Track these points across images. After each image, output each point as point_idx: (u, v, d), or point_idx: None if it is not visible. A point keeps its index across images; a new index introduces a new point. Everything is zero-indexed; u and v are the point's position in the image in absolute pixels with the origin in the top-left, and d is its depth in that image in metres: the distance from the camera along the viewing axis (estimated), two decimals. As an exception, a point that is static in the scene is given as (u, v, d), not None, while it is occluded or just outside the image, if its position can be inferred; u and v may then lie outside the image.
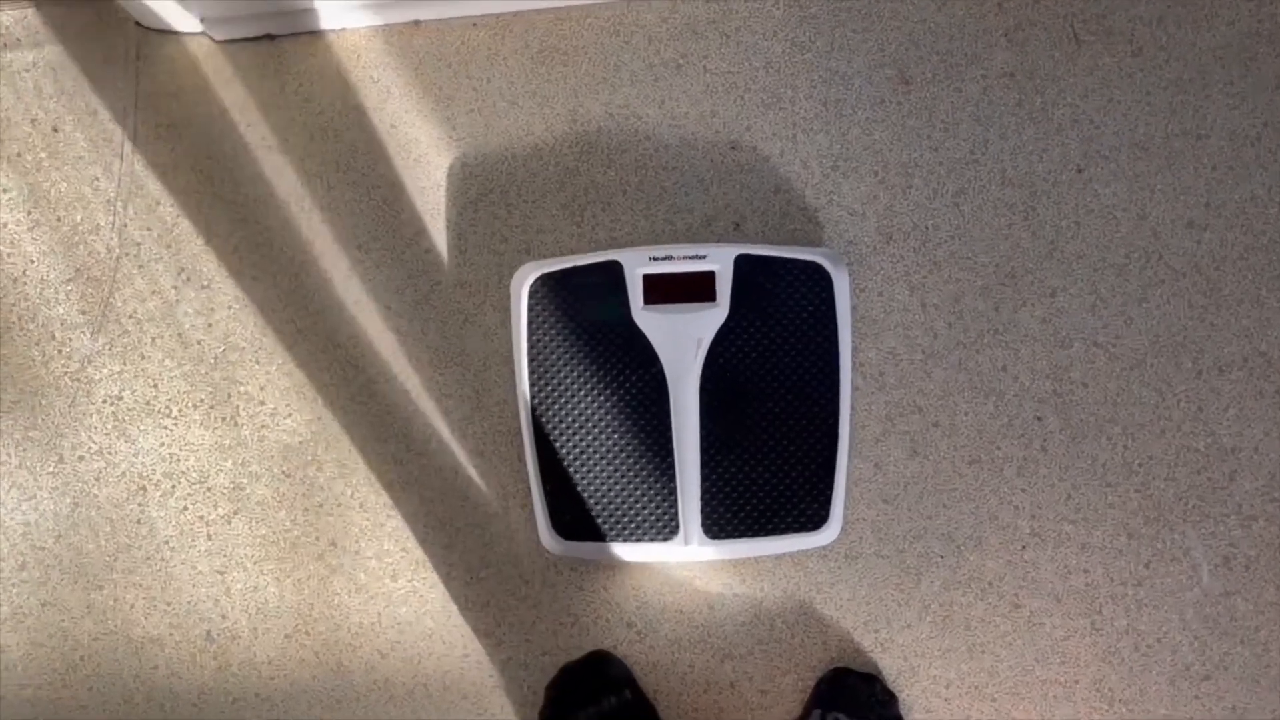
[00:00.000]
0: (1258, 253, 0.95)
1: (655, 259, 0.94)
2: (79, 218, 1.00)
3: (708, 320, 0.93)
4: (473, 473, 0.96)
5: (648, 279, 0.93)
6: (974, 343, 0.95)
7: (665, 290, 0.93)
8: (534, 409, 0.93)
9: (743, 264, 0.93)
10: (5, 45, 1.01)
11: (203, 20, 0.98)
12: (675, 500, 0.92)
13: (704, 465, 0.92)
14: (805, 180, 0.97)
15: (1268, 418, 0.94)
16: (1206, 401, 0.94)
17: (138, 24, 1.00)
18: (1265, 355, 0.94)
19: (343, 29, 1.00)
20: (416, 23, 1.00)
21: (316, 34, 1.01)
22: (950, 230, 0.96)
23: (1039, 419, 0.95)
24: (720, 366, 0.92)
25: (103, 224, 0.99)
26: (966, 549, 0.94)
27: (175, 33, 1.00)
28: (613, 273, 0.94)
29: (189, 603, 0.97)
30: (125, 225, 0.99)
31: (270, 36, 1.00)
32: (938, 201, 0.97)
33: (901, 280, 0.96)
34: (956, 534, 0.94)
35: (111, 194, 1.00)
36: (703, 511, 0.92)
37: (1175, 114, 0.96)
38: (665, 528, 0.92)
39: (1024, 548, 0.94)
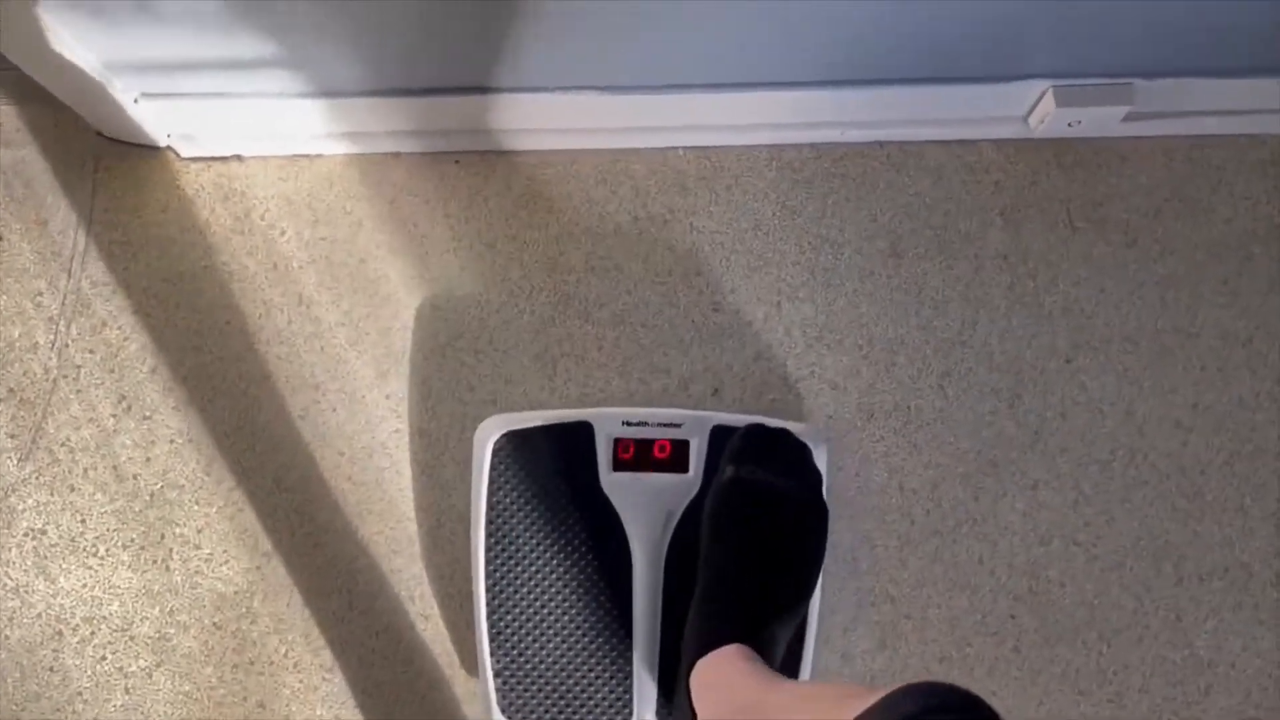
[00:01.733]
0: (1242, 460, 0.93)
1: (628, 424, 0.89)
2: (16, 334, 0.93)
3: (679, 492, 0.89)
4: (418, 637, 0.91)
5: (619, 444, 0.89)
6: (951, 532, 0.92)
7: (636, 457, 0.89)
8: (488, 575, 0.88)
9: (719, 436, 0.89)
10: (-47, 144, 0.95)
11: (169, 136, 0.93)
12: (630, 685, 0.87)
13: (663, 649, 0.87)
14: (788, 349, 0.94)
15: (1246, 632, 0.91)
16: (1185, 610, 0.91)
17: (99, 134, 0.95)
18: (1246, 566, 0.92)
19: (318, 154, 0.96)
20: (396, 154, 0.96)
21: (289, 158, 0.96)
22: (933, 413, 0.93)
23: (1013, 617, 0.91)
24: (689, 542, 0.88)
25: (41, 342, 0.93)
26: (932, 752, 0.89)
27: (139, 146, 0.95)
28: (583, 435, 0.90)
29: (99, 761, 0.90)
30: (66, 346, 0.93)
31: (239, 157, 0.95)
32: (922, 381, 0.94)
33: (880, 461, 0.93)
34: (922, 735, 0.89)
35: (54, 311, 0.94)
36: (659, 699, 0.87)
37: (1167, 309, 0.95)
38: (618, 712, 0.87)
39: (991, 754, 0.89)
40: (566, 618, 0.88)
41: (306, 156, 0.96)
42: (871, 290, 0.95)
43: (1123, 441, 0.93)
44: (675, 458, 0.89)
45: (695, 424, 0.89)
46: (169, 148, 0.95)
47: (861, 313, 0.95)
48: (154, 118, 0.89)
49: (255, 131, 0.93)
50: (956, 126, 0.96)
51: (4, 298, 0.94)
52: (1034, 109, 0.92)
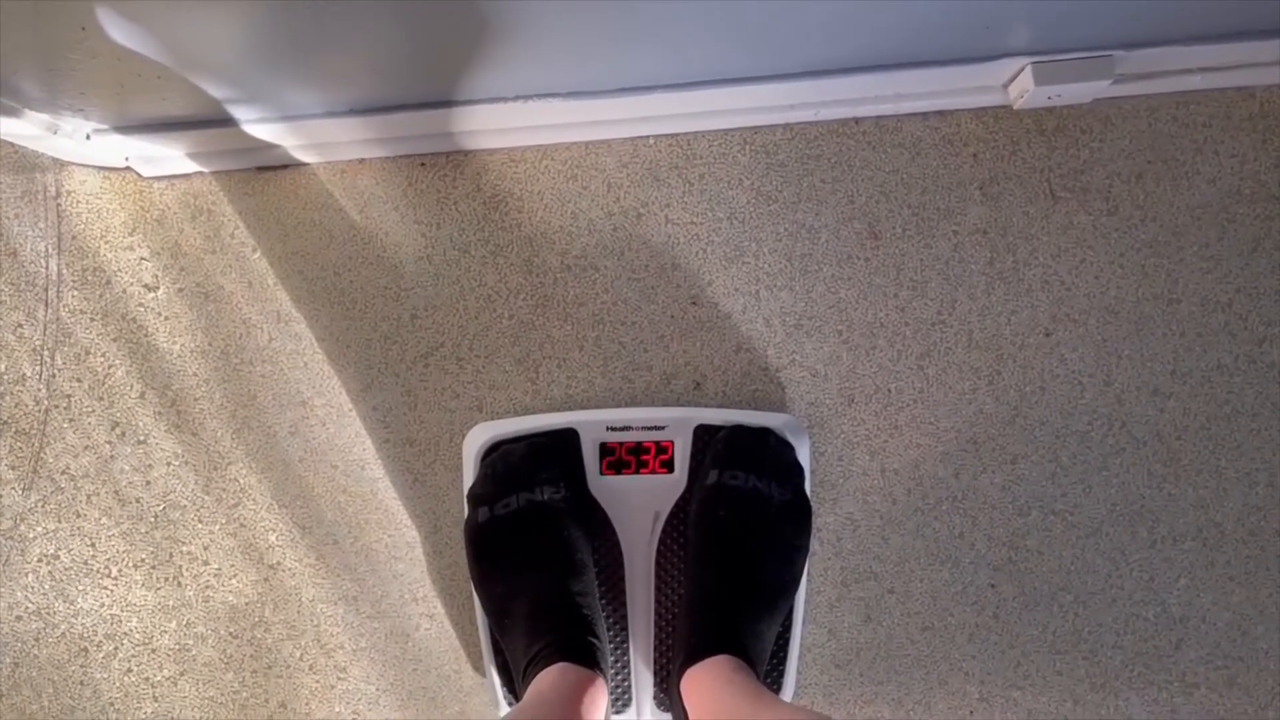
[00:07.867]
0: (1220, 422, 0.94)
1: (612, 429, 0.91)
2: (3, 367, 0.94)
3: (665, 492, 0.91)
4: (425, 636, 0.95)
5: (605, 448, 0.91)
6: (932, 509, 0.95)
7: (622, 461, 0.91)
8: (486, 576, 0.91)
9: (701, 435, 0.91)
10: (-88, 171, 0.94)
11: (127, 159, 0.91)
12: (628, 673, 0.91)
13: (657, 638, 0.92)
14: (768, 339, 0.94)
15: (1216, 587, 0.95)
16: (1158, 571, 0.95)
17: (56, 158, 0.93)
18: (1219, 526, 0.94)
19: (281, 166, 0.94)
20: (361, 160, 0.94)
21: (253, 171, 0.94)
22: (913, 394, 0.94)
23: (993, 586, 0.95)
24: (677, 539, 0.91)
25: (29, 374, 0.94)
26: (915, 714, 0.95)
27: (98, 167, 0.93)
28: (568, 440, 0.91)
29: (137, 763, 0.96)
30: (54, 376, 0.94)
31: (202, 173, 0.94)
32: (901, 364, 0.94)
33: (862, 444, 0.94)
34: (906, 699, 0.95)
35: (38, 342, 0.94)
36: (655, 684, 0.91)
37: (1147, 277, 0.94)
38: (618, 700, 0.92)
39: (971, 713, 0.95)
40: (564, 614, 0.91)
41: (270, 169, 0.94)
42: (850, 274, 0.94)
43: (1101, 412, 0.94)
44: (660, 460, 0.91)
45: (678, 424, 0.91)
46: (129, 168, 0.93)
47: (840, 298, 0.94)
48: (109, 147, 0.87)
49: (215, 150, 0.90)
50: (933, 99, 0.93)
51: (-15, 332, 0.94)
52: (1013, 81, 0.89)
